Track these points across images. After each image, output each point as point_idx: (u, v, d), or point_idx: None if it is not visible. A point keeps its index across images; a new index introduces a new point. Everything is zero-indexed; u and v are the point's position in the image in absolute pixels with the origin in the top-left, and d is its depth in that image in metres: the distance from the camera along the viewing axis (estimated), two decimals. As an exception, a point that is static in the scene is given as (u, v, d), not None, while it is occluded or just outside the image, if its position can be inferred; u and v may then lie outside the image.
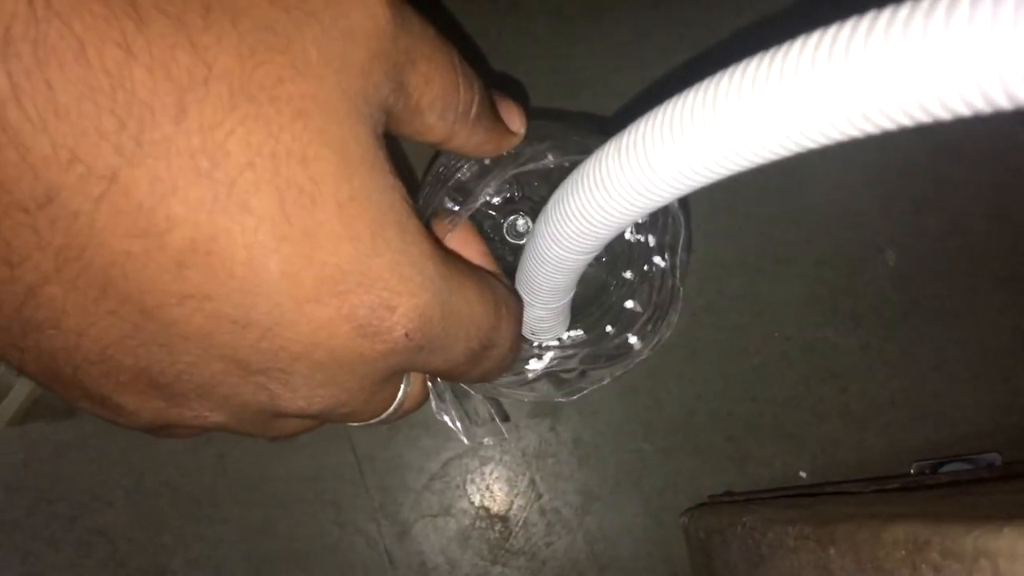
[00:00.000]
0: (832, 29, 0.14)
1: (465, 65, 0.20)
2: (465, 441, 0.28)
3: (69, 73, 0.12)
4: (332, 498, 0.55)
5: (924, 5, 0.12)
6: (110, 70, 0.13)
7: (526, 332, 0.30)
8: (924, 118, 0.13)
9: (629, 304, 0.31)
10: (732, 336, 0.58)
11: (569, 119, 0.59)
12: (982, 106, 0.12)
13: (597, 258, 0.27)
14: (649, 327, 0.30)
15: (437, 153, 0.26)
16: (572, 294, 0.28)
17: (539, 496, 0.56)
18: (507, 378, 0.30)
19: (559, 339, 0.31)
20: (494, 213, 0.32)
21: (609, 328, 0.31)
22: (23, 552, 0.54)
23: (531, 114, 0.25)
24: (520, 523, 0.56)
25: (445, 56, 0.19)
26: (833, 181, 0.60)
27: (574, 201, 0.21)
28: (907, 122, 0.13)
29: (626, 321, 0.31)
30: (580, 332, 0.32)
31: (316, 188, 0.15)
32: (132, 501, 0.55)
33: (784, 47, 0.15)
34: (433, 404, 0.27)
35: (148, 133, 0.13)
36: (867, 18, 0.13)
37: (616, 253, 0.32)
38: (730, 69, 0.16)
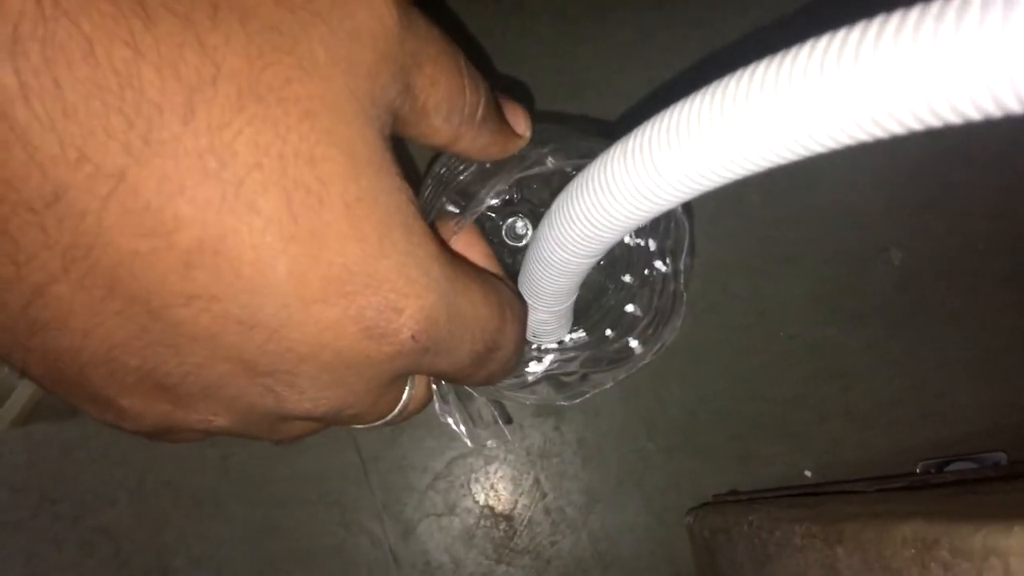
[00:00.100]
0: (841, 33, 0.14)
1: (471, 68, 0.20)
2: (469, 443, 0.28)
3: (77, 72, 0.12)
4: (336, 498, 0.55)
5: (934, 9, 0.12)
6: (118, 69, 0.13)
7: (528, 335, 0.30)
8: (935, 122, 0.13)
9: (629, 308, 0.31)
10: (736, 336, 0.58)
11: (573, 122, 0.59)
12: (993, 110, 0.12)
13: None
14: (650, 331, 0.30)
15: (436, 155, 0.26)
16: (575, 297, 0.28)
17: (543, 495, 0.56)
18: (508, 381, 0.29)
19: (558, 343, 0.31)
20: (493, 215, 0.32)
21: (609, 332, 0.31)
22: (27, 552, 0.54)
23: (536, 117, 0.25)
24: (524, 522, 0.56)
25: (451, 58, 0.19)
26: (838, 182, 0.60)
27: (579, 204, 0.21)
28: (917, 126, 0.13)
29: (626, 325, 0.31)
30: (582, 334, 0.32)
31: (323, 189, 0.15)
32: (135, 501, 0.55)
33: (793, 51, 0.15)
34: (437, 406, 0.27)
35: (156, 132, 0.13)
36: (876, 22, 0.13)
37: (615, 257, 0.32)
38: (737, 73, 0.16)
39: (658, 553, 0.56)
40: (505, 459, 0.56)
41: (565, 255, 0.24)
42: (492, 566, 0.55)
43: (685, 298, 0.29)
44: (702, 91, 0.17)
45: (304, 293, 0.15)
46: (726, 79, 0.17)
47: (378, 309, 0.16)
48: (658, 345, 0.30)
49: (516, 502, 0.56)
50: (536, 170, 0.25)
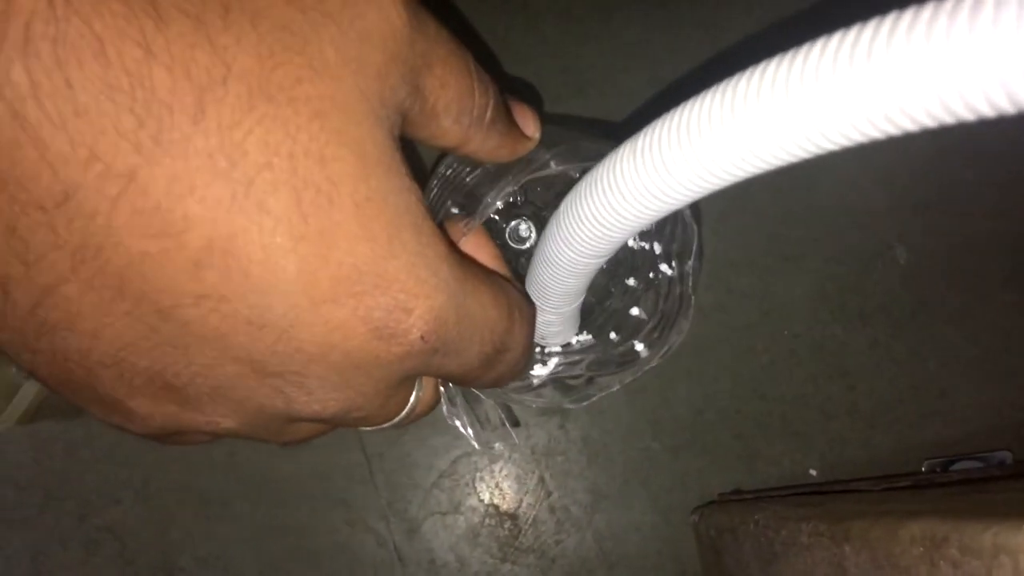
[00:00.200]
0: (854, 30, 0.14)
1: (480, 70, 0.20)
2: (476, 446, 0.28)
3: (88, 71, 0.12)
4: (342, 496, 0.55)
5: (948, 5, 0.12)
6: (129, 68, 0.13)
7: (535, 337, 0.30)
8: (948, 119, 0.13)
9: (635, 311, 0.31)
10: (741, 334, 0.58)
11: (579, 125, 0.59)
12: (1007, 107, 0.12)
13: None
14: (656, 335, 0.30)
15: (440, 157, 0.26)
16: (582, 299, 0.28)
17: (548, 494, 0.56)
18: (514, 384, 0.29)
19: (562, 346, 0.31)
20: (497, 218, 0.32)
21: (613, 335, 0.31)
22: (32, 550, 0.54)
23: (544, 119, 0.25)
24: (529, 521, 0.56)
25: (460, 60, 0.19)
26: (843, 180, 0.60)
27: (587, 204, 0.21)
28: (931, 124, 0.13)
29: (631, 328, 0.31)
30: (587, 337, 0.32)
31: (333, 188, 0.15)
32: (141, 499, 0.55)
33: (804, 48, 0.15)
34: (444, 409, 0.27)
35: (167, 132, 0.13)
36: (889, 19, 0.13)
37: (618, 260, 0.31)
38: (748, 71, 0.16)
39: (664, 552, 0.56)
40: (510, 458, 0.56)
41: (573, 255, 0.23)
42: (497, 564, 0.55)
43: (693, 301, 0.29)
44: (712, 89, 0.17)
45: (313, 293, 0.15)
46: (736, 77, 0.17)
47: (387, 309, 0.16)
48: (665, 348, 0.30)
49: (521, 501, 0.56)
50: (543, 172, 0.25)
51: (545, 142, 0.25)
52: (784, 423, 0.58)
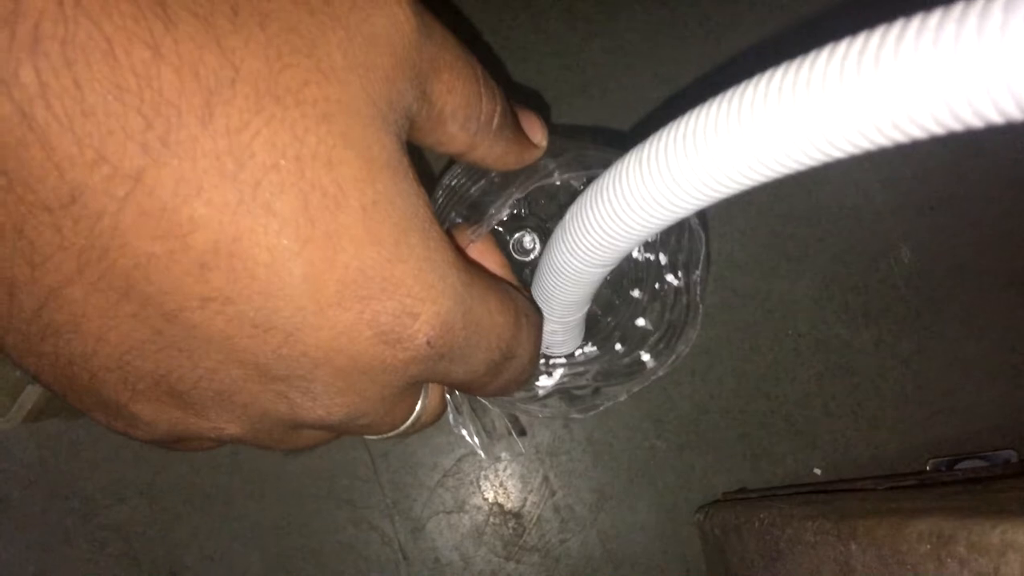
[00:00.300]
0: (860, 38, 0.14)
1: (487, 76, 0.20)
2: (482, 455, 0.28)
3: (97, 72, 0.12)
4: (346, 495, 0.56)
5: (955, 13, 0.12)
6: (138, 70, 0.13)
7: (541, 346, 0.30)
8: (957, 127, 0.13)
9: (640, 322, 0.31)
10: (745, 334, 0.58)
11: (584, 133, 0.59)
12: (1016, 114, 0.12)
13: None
14: (662, 345, 0.30)
15: (446, 167, 0.26)
16: (587, 308, 0.28)
17: (553, 493, 0.56)
18: (519, 394, 0.29)
19: (567, 356, 0.31)
20: (500, 229, 0.32)
21: (619, 346, 0.31)
22: (38, 548, 0.54)
23: (550, 129, 0.25)
24: (534, 520, 0.56)
25: (468, 66, 0.19)
26: (847, 180, 0.60)
27: (593, 213, 0.21)
28: (939, 131, 0.13)
29: (637, 339, 0.31)
30: (592, 348, 0.32)
31: (340, 191, 0.15)
32: (146, 498, 0.55)
33: (811, 56, 0.15)
34: (451, 417, 0.26)
35: (174, 133, 0.13)
36: (896, 26, 0.13)
37: (622, 272, 0.31)
38: (754, 79, 0.16)
39: (668, 551, 0.56)
40: (514, 457, 0.56)
41: (578, 264, 0.23)
42: (501, 563, 0.55)
43: (702, 309, 0.29)
44: (718, 98, 0.17)
45: (319, 296, 0.15)
46: (742, 85, 0.16)
47: (394, 314, 0.16)
48: (672, 357, 0.29)
49: (525, 500, 0.56)
50: (549, 180, 0.25)
51: (551, 151, 0.25)
52: (788, 422, 0.58)
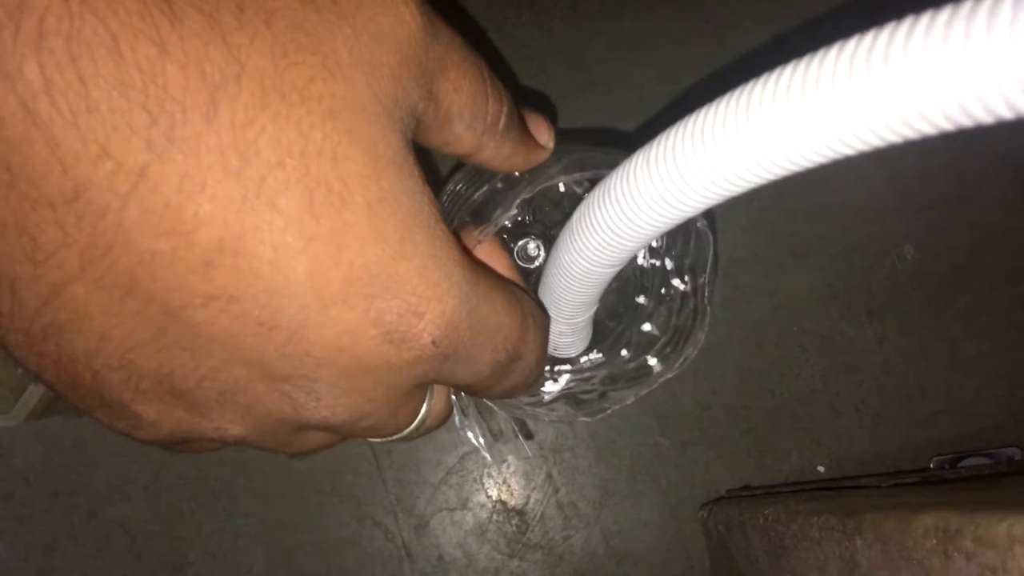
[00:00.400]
0: (869, 36, 0.14)
1: (494, 77, 0.20)
2: (488, 458, 0.28)
3: (102, 68, 0.12)
4: (350, 492, 0.56)
5: (964, 9, 0.12)
6: (143, 66, 0.12)
7: (549, 347, 0.30)
8: (967, 123, 0.13)
9: (647, 327, 0.31)
10: (748, 331, 0.58)
11: (591, 135, 0.59)
12: None
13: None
14: (669, 349, 0.30)
15: (453, 170, 0.26)
16: (595, 309, 0.28)
17: (556, 490, 0.56)
18: (525, 399, 0.29)
19: (572, 363, 0.31)
20: (505, 236, 0.32)
21: (625, 352, 0.31)
22: (44, 545, 0.54)
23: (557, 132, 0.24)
24: (537, 517, 0.56)
25: (474, 66, 0.19)
26: (851, 177, 0.60)
27: (601, 213, 0.21)
28: (949, 127, 0.13)
29: (643, 344, 0.30)
30: (599, 355, 0.31)
31: (345, 188, 0.15)
32: (150, 494, 0.55)
33: (819, 55, 0.15)
34: (457, 420, 0.26)
35: (179, 129, 0.13)
36: (905, 24, 0.13)
37: (626, 278, 0.31)
38: (762, 78, 0.16)
39: (672, 548, 0.56)
40: (521, 460, 0.56)
41: (586, 264, 0.23)
42: (505, 560, 0.55)
43: (710, 311, 0.29)
44: (726, 96, 0.17)
45: (323, 294, 0.15)
46: (750, 84, 0.16)
47: (399, 313, 0.16)
48: (680, 360, 0.29)
49: (529, 497, 0.56)
50: (556, 180, 0.25)
51: (557, 153, 0.25)
52: (792, 419, 0.58)
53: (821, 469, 0.57)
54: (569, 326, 0.28)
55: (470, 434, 0.27)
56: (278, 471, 0.55)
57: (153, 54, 0.13)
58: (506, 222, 0.25)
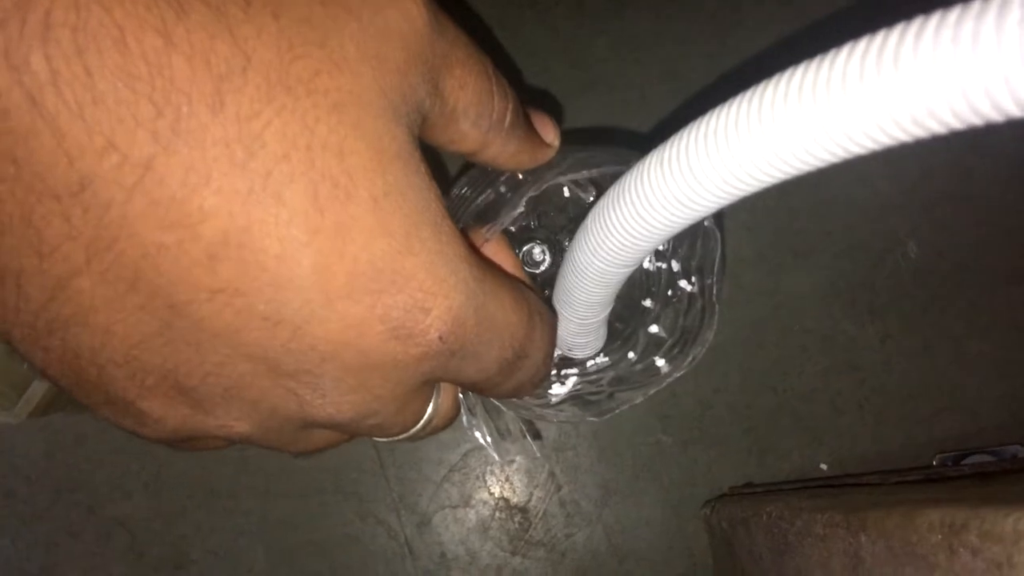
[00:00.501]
0: (879, 36, 0.14)
1: (499, 74, 0.20)
2: (496, 458, 0.27)
3: (108, 60, 0.12)
4: (353, 489, 0.56)
5: (974, 9, 0.12)
6: (149, 58, 0.12)
7: (563, 348, 0.30)
8: (977, 122, 0.13)
9: (654, 329, 0.31)
10: (751, 329, 0.58)
11: (591, 136, 0.59)
12: None
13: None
14: (676, 350, 0.30)
15: (460, 171, 0.26)
16: (610, 309, 0.28)
17: (558, 488, 0.56)
18: (533, 401, 0.29)
19: (579, 366, 0.31)
20: (510, 241, 0.32)
21: (632, 355, 0.31)
22: (45, 542, 0.54)
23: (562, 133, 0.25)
24: (540, 514, 0.56)
25: (479, 63, 0.19)
26: (854, 175, 0.60)
27: (616, 213, 0.21)
28: (959, 126, 0.13)
29: (651, 346, 0.30)
30: (606, 359, 0.31)
31: (351, 182, 0.15)
32: (152, 492, 0.55)
33: (830, 56, 0.15)
34: (464, 419, 0.26)
35: (185, 122, 0.13)
36: (914, 24, 0.13)
37: (632, 282, 0.31)
38: (773, 79, 0.16)
39: (674, 545, 0.56)
40: (529, 459, 0.56)
41: (601, 264, 0.23)
42: (507, 558, 0.55)
43: (718, 310, 0.29)
44: (738, 98, 0.17)
45: (328, 288, 0.15)
46: (761, 86, 0.17)
47: (405, 308, 0.16)
48: (688, 359, 0.29)
49: (531, 494, 0.56)
50: (559, 179, 0.25)
51: (562, 151, 0.25)
52: (794, 418, 0.57)
53: (823, 467, 0.57)
54: (583, 327, 0.28)
55: (477, 433, 0.27)
56: (280, 469, 0.55)
57: (159, 46, 0.13)
58: (511, 227, 0.25)
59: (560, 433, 0.57)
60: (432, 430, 0.22)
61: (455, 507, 0.56)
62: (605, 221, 0.22)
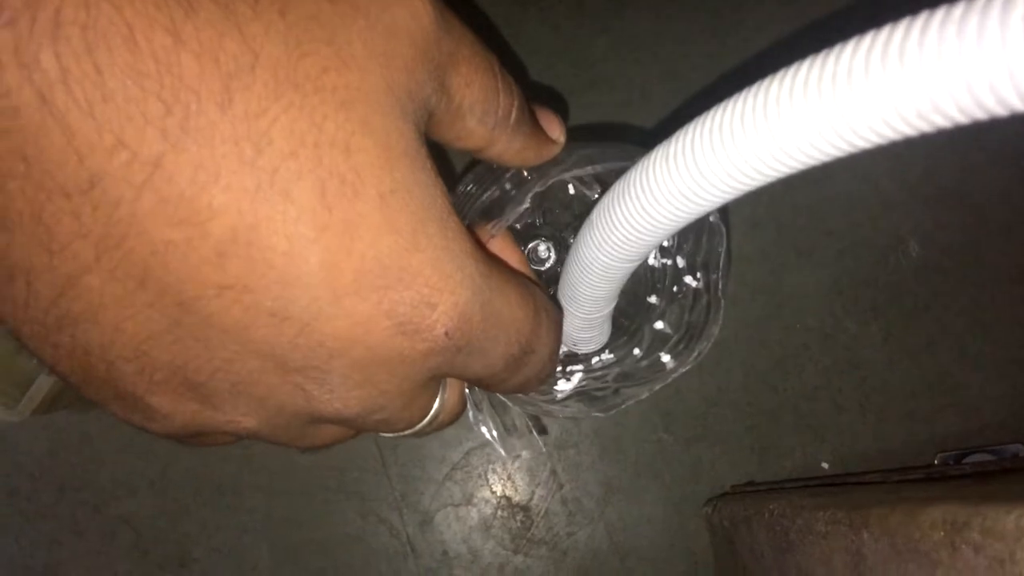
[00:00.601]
0: (884, 32, 0.14)
1: (505, 71, 0.20)
2: (502, 453, 0.28)
3: (117, 57, 0.12)
4: (355, 488, 0.56)
5: (979, 5, 0.12)
6: (158, 55, 0.13)
7: (568, 343, 0.30)
8: (982, 116, 0.13)
9: (659, 325, 0.31)
10: (753, 327, 0.58)
11: (592, 133, 0.59)
12: None
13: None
14: (681, 346, 0.30)
15: (466, 169, 0.26)
16: (614, 305, 0.28)
17: (560, 486, 0.56)
18: (538, 396, 0.29)
19: (585, 363, 0.31)
20: (516, 239, 0.32)
21: (637, 351, 0.31)
22: (49, 540, 0.54)
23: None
24: (542, 513, 0.56)
25: (485, 60, 0.19)
26: (856, 173, 0.60)
27: (620, 208, 0.21)
28: (964, 120, 0.13)
29: (656, 342, 0.31)
30: (611, 356, 0.32)
31: (358, 179, 0.15)
32: (156, 490, 0.55)
33: (835, 51, 0.15)
34: (470, 415, 0.26)
35: (194, 119, 0.13)
36: (920, 19, 0.13)
37: (637, 279, 0.31)
38: (778, 74, 0.16)
39: (676, 544, 0.56)
40: (535, 455, 0.56)
41: (606, 259, 0.24)
42: (509, 556, 0.56)
43: (724, 305, 0.29)
44: (743, 93, 0.17)
45: (336, 285, 0.15)
46: (766, 81, 0.17)
47: (411, 304, 0.16)
48: (694, 355, 0.30)
49: (533, 493, 0.56)
50: (565, 176, 0.25)
51: (568, 148, 0.25)
52: (796, 416, 0.58)
53: (825, 466, 0.57)
54: (588, 321, 0.28)
55: (484, 429, 0.27)
56: (283, 467, 0.56)
57: (168, 43, 0.13)
58: (517, 225, 0.25)
59: (562, 431, 0.57)
60: (438, 425, 0.22)
61: (457, 505, 0.56)
62: (610, 215, 0.22)
